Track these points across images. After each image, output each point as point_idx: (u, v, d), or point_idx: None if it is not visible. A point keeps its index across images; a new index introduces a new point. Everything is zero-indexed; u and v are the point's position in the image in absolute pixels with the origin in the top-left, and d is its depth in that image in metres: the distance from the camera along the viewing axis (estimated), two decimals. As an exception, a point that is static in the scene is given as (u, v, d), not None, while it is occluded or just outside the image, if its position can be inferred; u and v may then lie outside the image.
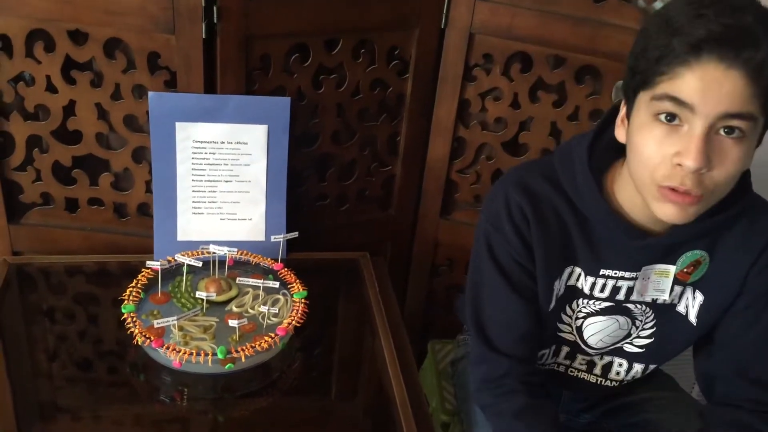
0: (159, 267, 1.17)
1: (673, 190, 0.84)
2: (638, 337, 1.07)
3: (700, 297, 1.02)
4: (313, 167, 1.41)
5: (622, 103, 0.92)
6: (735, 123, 0.80)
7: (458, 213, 1.53)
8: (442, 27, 1.35)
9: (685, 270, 1.00)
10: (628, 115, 0.90)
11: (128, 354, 1.12)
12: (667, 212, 0.86)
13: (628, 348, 1.09)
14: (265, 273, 1.25)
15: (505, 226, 1.00)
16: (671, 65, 0.80)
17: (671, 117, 0.82)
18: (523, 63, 1.36)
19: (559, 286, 1.02)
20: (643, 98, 0.86)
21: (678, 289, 1.02)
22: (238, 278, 1.20)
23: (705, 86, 0.79)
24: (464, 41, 1.35)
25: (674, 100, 0.81)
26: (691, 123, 0.81)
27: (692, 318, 1.03)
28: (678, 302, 1.04)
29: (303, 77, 1.30)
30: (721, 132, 0.81)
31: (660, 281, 1.01)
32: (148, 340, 1.06)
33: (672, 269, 1.00)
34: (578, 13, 1.28)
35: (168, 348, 1.05)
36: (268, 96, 1.27)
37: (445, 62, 1.38)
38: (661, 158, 0.84)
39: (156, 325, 1.08)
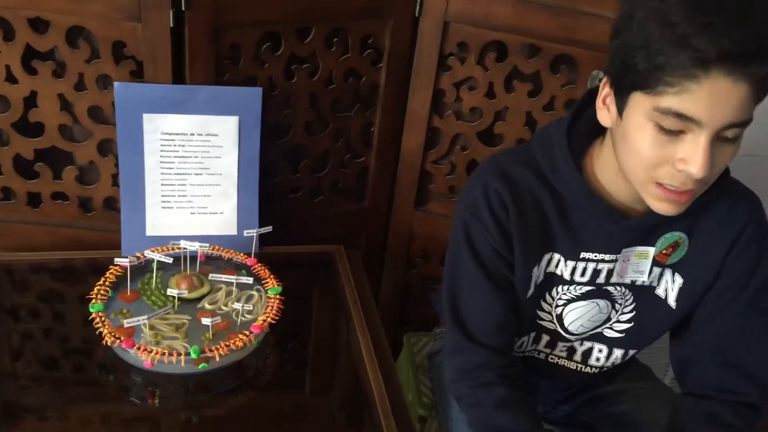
0: (128, 264, 1.14)
1: (672, 189, 0.85)
2: (618, 321, 1.07)
3: (679, 280, 1.02)
4: (286, 159, 1.38)
5: (603, 83, 0.90)
6: (736, 131, 0.81)
7: (433, 204, 1.51)
8: (416, 15, 1.32)
9: (664, 252, 1.00)
10: (619, 107, 0.87)
11: (97, 355, 1.09)
12: (663, 208, 0.87)
13: (608, 333, 1.09)
14: (238, 268, 1.22)
15: (483, 213, 0.99)
16: (678, 77, 0.77)
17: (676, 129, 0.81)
18: (498, 52, 1.34)
19: (537, 273, 1.02)
20: (641, 100, 0.82)
21: (657, 271, 1.02)
22: (210, 274, 1.17)
23: (713, 101, 0.77)
24: (439, 30, 1.32)
25: (681, 116, 0.79)
26: (696, 133, 0.80)
27: (671, 301, 1.04)
28: (657, 285, 1.04)
29: (274, 67, 1.27)
30: (722, 137, 0.81)
31: (639, 263, 1.02)
32: (118, 341, 1.03)
33: (651, 251, 1.00)
34: (554, 2, 1.27)
35: (139, 348, 1.02)
36: (239, 86, 1.24)
37: (420, 51, 1.35)
38: (662, 160, 0.83)
39: (126, 325, 1.05)
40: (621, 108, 0.86)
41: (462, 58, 1.36)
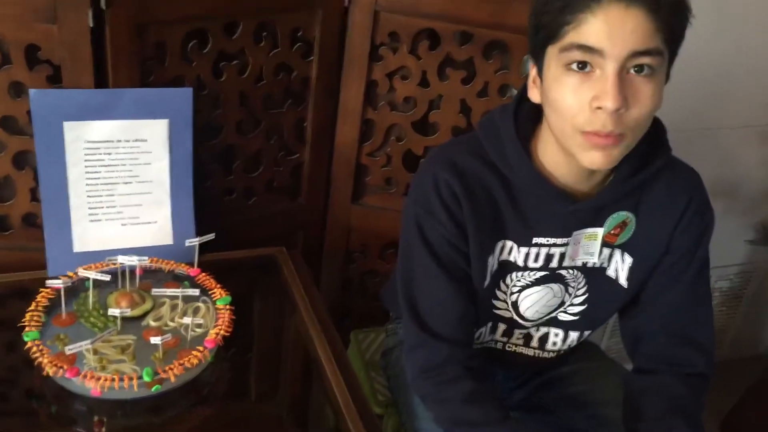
0: (61, 285, 1.05)
1: (595, 134, 0.86)
2: (572, 304, 1.09)
3: (629, 260, 1.04)
4: (218, 161, 1.32)
5: (531, 64, 0.93)
6: (644, 60, 0.83)
7: (370, 197, 1.48)
8: (346, 5, 1.29)
9: (612, 232, 1.02)
10: (540, 73, 0.91)
11: (36, 387, 1.00)
12: (593, 159, 0.88)
13: (563, 317, 1.10)
14: (180, 280, 1.16)
15: (435, 207, 0.98)
16: (574, 13, 0.82)
17: (582, 65, 0.84)
18: (431, 40, 1.33)
19: (492, 262, 1.02)
20: (551, 52, 0.87)
21: (606, 251, 1.04)
22: (152, 289, 1.10)
23: (609, 28, 0.81)
24: (369, 20, 1.30)
25: (582, 47, 0.83)
26: (603, 67, 0.83)
27: (622, 281, 1.06)
28: (608, 266, 1.06)
29: (202, 65, 1.21)
30: (632, 71, 0.84)
31: (589, 245, 1.03)
32: (61, 370, 0.95)
33: (600, 232, 1.01)
34: (484, -13, 1.27)
35: (85, 376, 0.94)
36: (167, 87, 1.17)
37: (351, 42, 1.32)
38: (579, 106, 0.85)
39: (67, 352, 0.97)
40: (540, 72, 0.90)
41: (394, 47, 1.34)
